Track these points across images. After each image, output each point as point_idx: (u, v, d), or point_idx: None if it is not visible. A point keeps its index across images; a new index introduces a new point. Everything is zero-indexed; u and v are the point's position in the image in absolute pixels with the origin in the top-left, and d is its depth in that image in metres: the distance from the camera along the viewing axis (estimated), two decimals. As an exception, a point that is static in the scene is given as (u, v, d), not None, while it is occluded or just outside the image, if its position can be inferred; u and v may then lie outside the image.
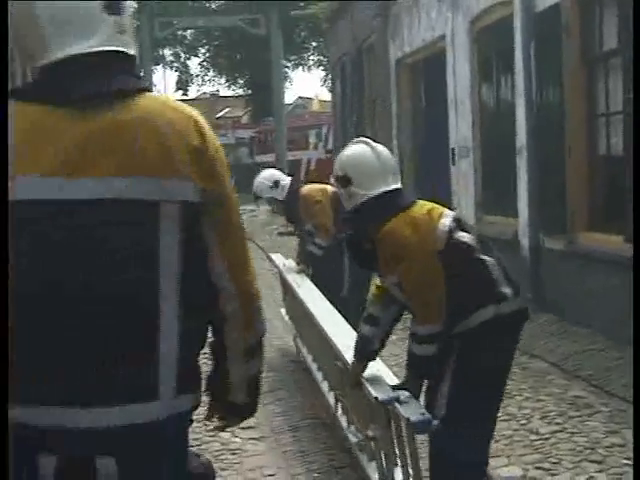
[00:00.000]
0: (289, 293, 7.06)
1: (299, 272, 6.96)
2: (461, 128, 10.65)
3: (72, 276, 1.86)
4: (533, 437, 5.05)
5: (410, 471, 3.65)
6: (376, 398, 3.60)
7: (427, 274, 3.39)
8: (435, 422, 3.40)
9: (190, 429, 2.12)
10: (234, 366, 2.11)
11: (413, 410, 3.39)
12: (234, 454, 5.05)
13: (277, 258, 7.88)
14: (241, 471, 4.80)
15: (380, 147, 3.76)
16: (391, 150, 13.94)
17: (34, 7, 1.92)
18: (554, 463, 4.65)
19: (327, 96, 26.44)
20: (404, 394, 3.50)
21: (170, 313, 1.91)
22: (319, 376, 5.57)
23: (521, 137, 8.66)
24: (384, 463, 3.93)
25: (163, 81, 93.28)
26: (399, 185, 3.67)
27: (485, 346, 3.40)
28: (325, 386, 5.36)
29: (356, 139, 3.90)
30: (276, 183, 7.02)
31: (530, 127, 8.45)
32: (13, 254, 1.83)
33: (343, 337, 4.56)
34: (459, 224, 3.55)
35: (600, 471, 4.54)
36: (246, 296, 2.06)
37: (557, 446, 4.90)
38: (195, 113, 2.01)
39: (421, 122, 13.36)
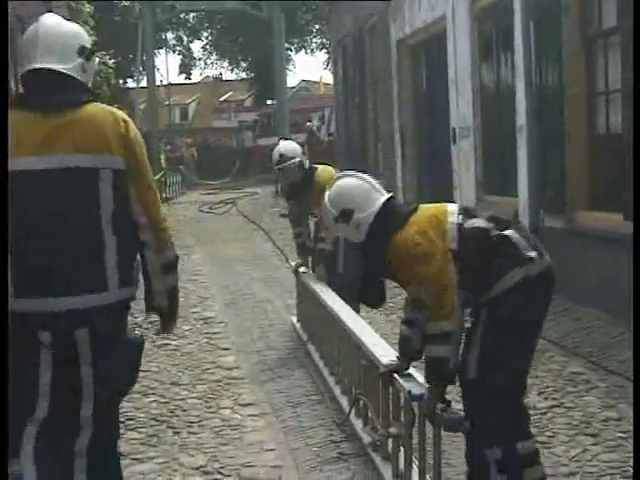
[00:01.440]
0: (306, 299, 7.11)
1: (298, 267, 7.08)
2: (462, 108, 10.66)
3: (49, 213, 3.11)
4: (530, 412, 5.08)
5: (428, 469, 3.75)
6: (409, 392, 3.67)
7: (442, 276, 3.47)
8: (467, 423, 3.50)
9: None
10: (155, 278, 3.32)
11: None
12: (234, 429, 5.11)
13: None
14: (241, 446, 4.86)
15: (356, 173, 3.92)
16: (392, 131, 13.92)
17: None
18: (550, 437, 4.70)
19: (330, 79, 26.39)
20: None
21: (110, 236, 3.14)
22: (332, 380, 5.68)
23: (521, 116, 8.66)
24: (402, 461, 4.00)
25: (166, 65, 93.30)
26: (391, 194, 3.81)
27: (517, 305, 3.48)
28: (338, 390, 5.46)
29: (332, 183, 3.95)
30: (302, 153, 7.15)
31: (530, 106, 8.45)
32: (12, 204, 2.97)
33: (370, 337, 4.69)
34: (467, 213, 3.62)
35: (595, 444, 4.59)
36: (157, 228, 3.26)
37: (553, 420, 4.95)
38: (123, 114, 3.26)
39: (422, 102, 13.35)
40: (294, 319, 7.58)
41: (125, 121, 3.21)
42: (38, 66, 3.16)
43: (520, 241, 3.53)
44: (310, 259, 7.27)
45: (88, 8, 16.56)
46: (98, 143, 3.13)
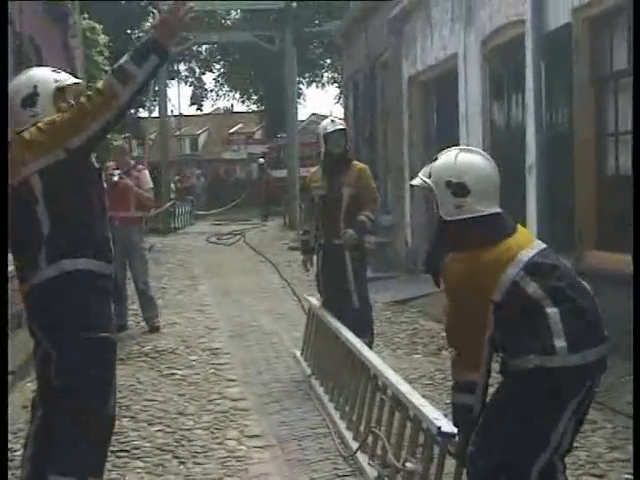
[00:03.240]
0: (314, 333, 7.15)
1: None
2: (471, 145, 10.68)
3: None
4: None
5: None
6: (439, 428, 3.63)
7: (468, 324, 3.22)
8: None
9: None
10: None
11: None
12: (239, 461, 5.10)
13: (312, 299, 7.77)
14: (246, 478, 4.85)
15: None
16: (402, 165, 13.86)
17: None
18: (556, 476, 4.67)
19: (341, 113, 26.61)
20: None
21: (45, 222, 3.69)
22: (337, 415, 5.70)
23: (531, 155, 8.71)
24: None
25: (177, 96, 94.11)
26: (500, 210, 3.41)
27: (523, 393, 3.15)
28: (343, 425, 5.47)
29: (465, 147, 3.61)
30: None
31: (540, 145, 8.50)
32: None
33: (390, 372, 4.82)
34: (533, 270, 3.18)
35: (601, 485, 4.58)
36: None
37: (559, 460, 4.92)
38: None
39: (432, 138, 13.42)
40: (297, 352, 7.59)
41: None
42: None
43: (556, 324, 3.08)
44: (316, 256, 7.30)
45: (103, 38, 16.76)
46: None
